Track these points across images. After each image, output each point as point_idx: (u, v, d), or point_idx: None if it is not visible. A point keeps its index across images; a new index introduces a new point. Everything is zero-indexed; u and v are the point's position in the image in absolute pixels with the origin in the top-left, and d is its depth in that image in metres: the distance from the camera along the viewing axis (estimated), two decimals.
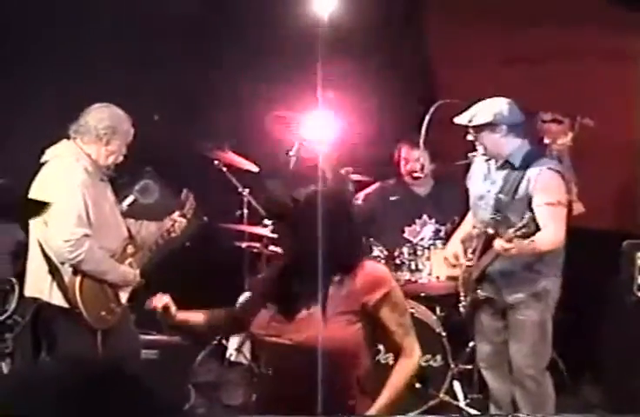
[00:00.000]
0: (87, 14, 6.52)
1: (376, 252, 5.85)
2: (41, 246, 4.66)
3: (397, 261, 5.83)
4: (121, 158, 4.85)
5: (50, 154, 4.74)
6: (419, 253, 5.82)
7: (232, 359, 6.10)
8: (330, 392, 3.01)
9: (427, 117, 5.41)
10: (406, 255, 5.81)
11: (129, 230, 4.91)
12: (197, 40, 6.66)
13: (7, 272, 5.47)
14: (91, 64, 6.43)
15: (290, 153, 6.05)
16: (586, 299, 5.81)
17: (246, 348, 6.13)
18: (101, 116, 4.77)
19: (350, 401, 3.15)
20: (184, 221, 5.15)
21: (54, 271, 4.63)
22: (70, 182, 4.60)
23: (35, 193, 4.69)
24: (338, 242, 3.10)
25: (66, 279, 4.62)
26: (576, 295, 5.27)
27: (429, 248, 5.85)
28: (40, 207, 4.61)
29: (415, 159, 6.16)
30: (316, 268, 3.03)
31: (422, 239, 6.06)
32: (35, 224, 4.69)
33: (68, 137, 4.78)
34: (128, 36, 6.49)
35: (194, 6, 6.63)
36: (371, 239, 5.90)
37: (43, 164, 4.74)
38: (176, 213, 5.15)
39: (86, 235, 4.56)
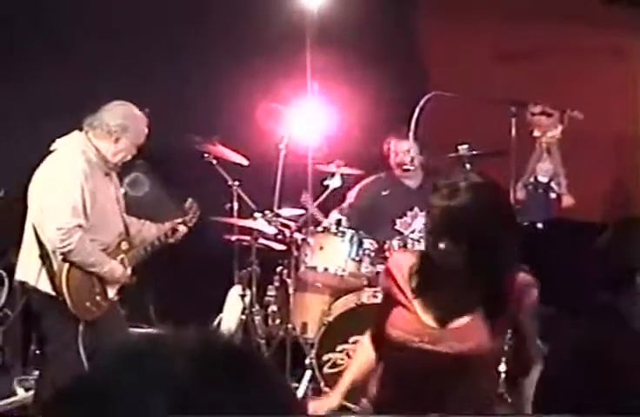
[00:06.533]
0: (75, 7, 6.52)
1: (365, 245, 5.86)
2: (35, 231, 4.68)
3: (387, 254, 5.83)
4: (129, 157, 4.88)
5: (59, 143, 4.78)
6: (409, 246, 5.82)
7: None
8: (469, 398, 2.98)
9: (417, 110, 5.40)
10: (396, 248, 5.81)
11: (127, 227, 4.92)
12: (186, 32, 6.65)
13: None
14: (80, 58, 6.42)
15: (280, 146, 6.05)
16: (574, 291, 5.82)
17: (236, 341, 6.12)
18: (116, 114, 4.81)
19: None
20: (185, 228, 5.21)
21: (44, 256, 4.66)
22: (70, 171, 4.63)
23: (36, 179, 4.71)
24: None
25: (55, 265, 4.64)
26: (565, 288, 5.29)
27: (419, 241, 5.85)
28: (39, 193, 4.65)
29: (404, 151, 6.18)
30: (472, 273, 2.96)
31: (412, 231, 6.06)
32: (32, 209, 4.71)
33: (80, 129, 4.80)
34: (116, 29, 6.48)
35: None
36: (362, 232, 5.91)
37: (51, 152, 4.77)
38: (178, 220, 5.22)
39: (79, 226, 4.57)
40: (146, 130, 4.91)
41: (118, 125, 4.78)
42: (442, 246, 2.88)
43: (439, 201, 2.89)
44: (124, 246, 4.91)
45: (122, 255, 4.90)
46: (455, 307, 3.01)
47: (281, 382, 1.11)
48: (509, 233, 2.99)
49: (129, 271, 4.93)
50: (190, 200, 5.37)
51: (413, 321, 3.04)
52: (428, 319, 3.03)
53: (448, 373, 2.98)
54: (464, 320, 3.00)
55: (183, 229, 5.24)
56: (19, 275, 4.84)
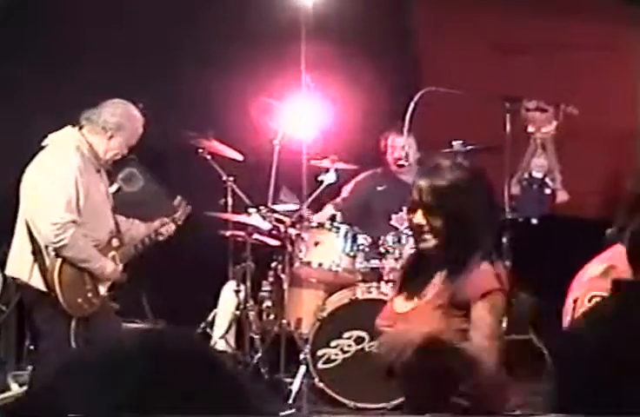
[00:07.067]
0: (71, 4, 6.51)
1: (360, 240, 5.86)
2: (28, 226, 4.67)
3: (381, 250, 5.84)
4: (118, 157, 4.89)
5: (51, 138, 4.77)
6: (403, 241, 5.82)
7: (216, 347, 6.09)
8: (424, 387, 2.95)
9: (412, 105, 5.39)
10: (390, 243, 5.81)
11: (117, 224, 4.92)
12: (181, 27, 6.64)
13: None
14: (75, 54, 6.41)
15: (275, 141, 6.04)
16: (569, 286, 5.82)
17: (230, 336, 6.13)
18: (114, 111, 4.83)
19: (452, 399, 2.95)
20: (174, 226, 5.21)
21: (37, 252, 4.65)
22: (66, 166, 4.63)
23: (30, 174, 4.70)
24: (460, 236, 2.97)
25: (47, 261, 4.63)
26: (560, 283, 5.28)
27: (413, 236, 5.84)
28: (33, 188, 4.64)
29: (400, 147, 6.19)
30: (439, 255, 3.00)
31: (407, 227, 6.06)
32: (25, 204, 4.70)
33: (74, 124, 4.80)
34: (111, 25, 6.47)
35: None
36: (356, 227, 5.91)
37: (42, 148, 4.76)
38: (166, 219, 5.21)
39: (73, 221, 4.57)
40: (141, 131, 4.91)
41: (115, 123, 4.78)
42: (415, 221, 2.97)
43: (419, 180, 3.01)
44: (115, 243, 4.90)
45: (113, 252, 4.89)
46: (415, 290, 3.05)
47: (235, 383, 1.12)
48: (482, 219, 3.00)
49: (120, 268, 4.92)
50: (178, 197, 5.35)
51: (387, 309, 3.12)
52: (396, 304, 3.09)
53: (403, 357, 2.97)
54: (415, 303, 3.03)
55: (172, 227, 5.23)
56: (10, 271, 4.83)
